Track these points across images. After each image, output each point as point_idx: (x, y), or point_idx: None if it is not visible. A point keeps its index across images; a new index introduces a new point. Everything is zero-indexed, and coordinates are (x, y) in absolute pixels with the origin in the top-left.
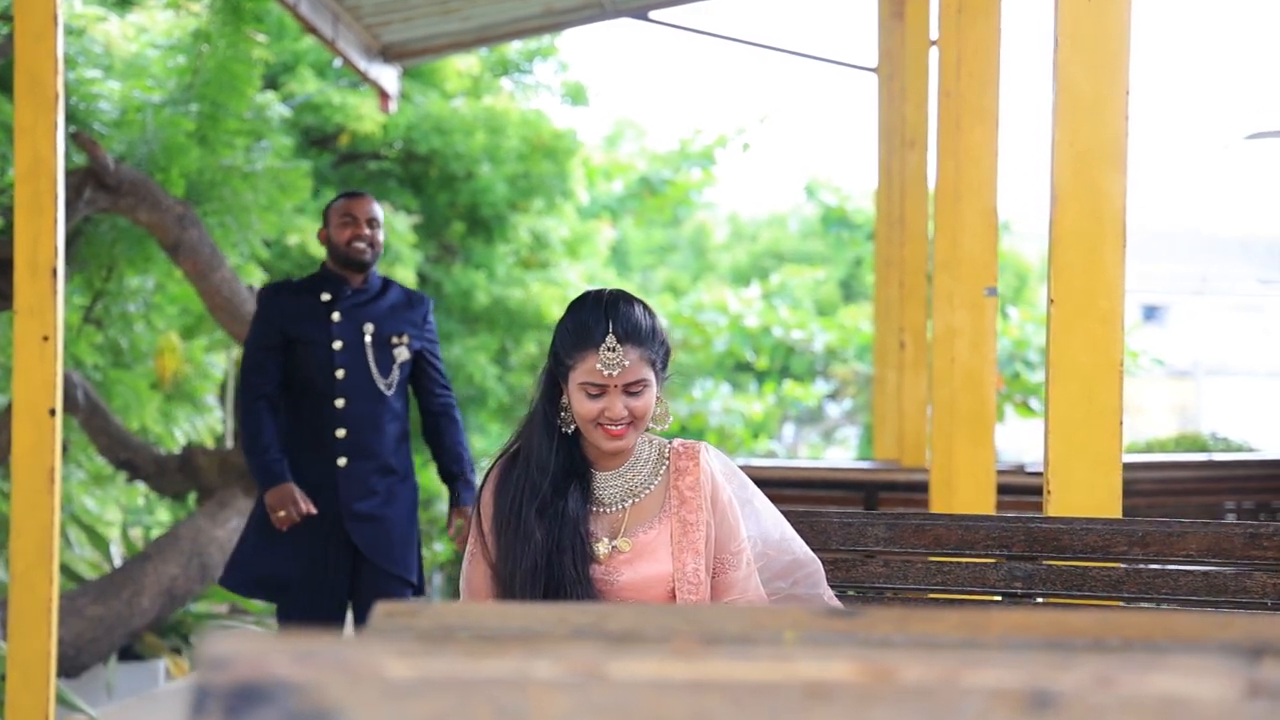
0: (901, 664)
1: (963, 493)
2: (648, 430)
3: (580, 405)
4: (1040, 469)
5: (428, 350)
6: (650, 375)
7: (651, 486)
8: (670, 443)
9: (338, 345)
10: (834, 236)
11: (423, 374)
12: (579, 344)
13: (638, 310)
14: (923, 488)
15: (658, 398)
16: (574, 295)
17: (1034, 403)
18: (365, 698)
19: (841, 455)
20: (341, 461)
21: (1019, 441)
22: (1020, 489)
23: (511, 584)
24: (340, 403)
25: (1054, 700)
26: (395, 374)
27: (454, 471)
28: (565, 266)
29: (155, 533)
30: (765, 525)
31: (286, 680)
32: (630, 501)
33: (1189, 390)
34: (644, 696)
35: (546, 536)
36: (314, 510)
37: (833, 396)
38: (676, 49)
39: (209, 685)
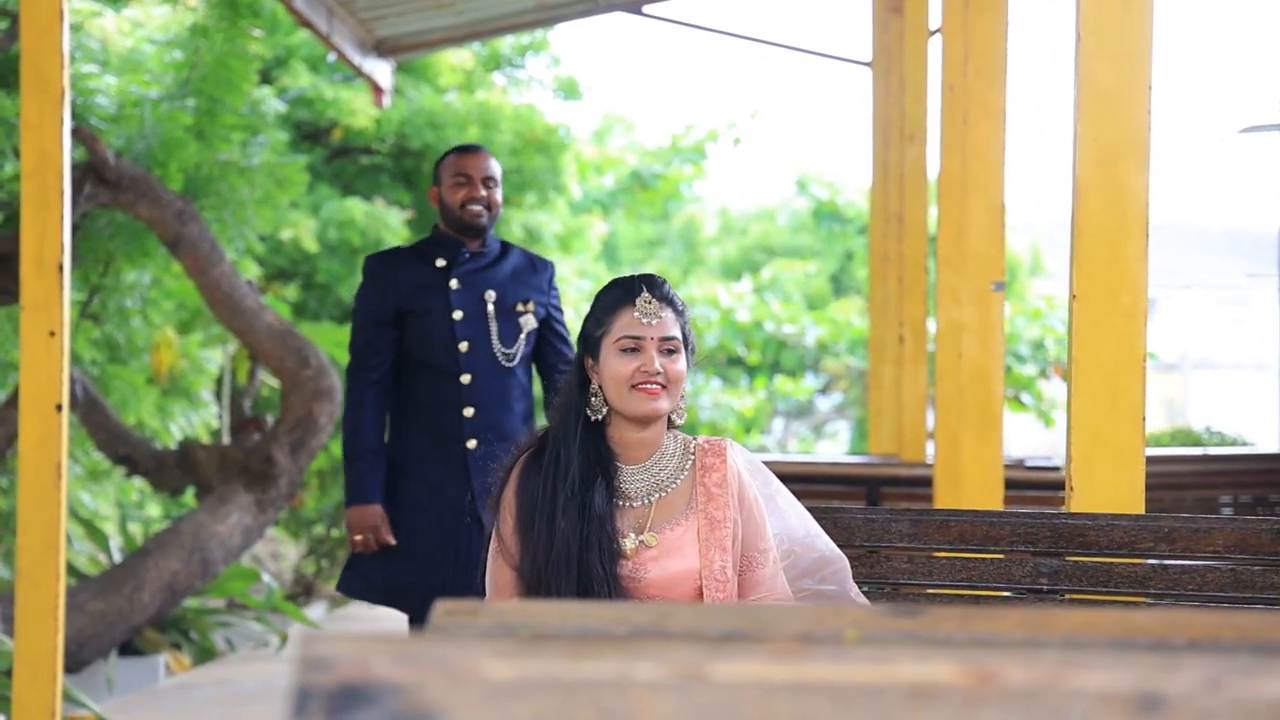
0: (1006, 666)
1: (970, 488)
2: (670, 426)
3: (615, 368)
4: (1041, 464)
5: (553, 319)
6: (681, 341)
7: (678, 481)
8: (695, 438)
9: (458, 315)
10: (825, 230)
11: (547, 344)
12: (613, 306)
13: (668, 285)
14: (926, 483)
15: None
16: (566, 290)
17: (1025, 397)
18: (466, 699)
19: (832, 450)
20: (471, 444)
21: (1008, 436)
22: (1023, 484)
23: (538, 582)
24: (466, 379)
25: (1163, 703)
26: (521, 345)
27: None
28: (557, 261)
29: (153, 528)
30: (790, 522)
31: (388, 681)
32: (656, 496)
33: (1176, 384)
34: (747, 698)
35: (573, 531)
36: (392, 541)
37: (823, 391)
38: (668, 43)
39: (310, 686)
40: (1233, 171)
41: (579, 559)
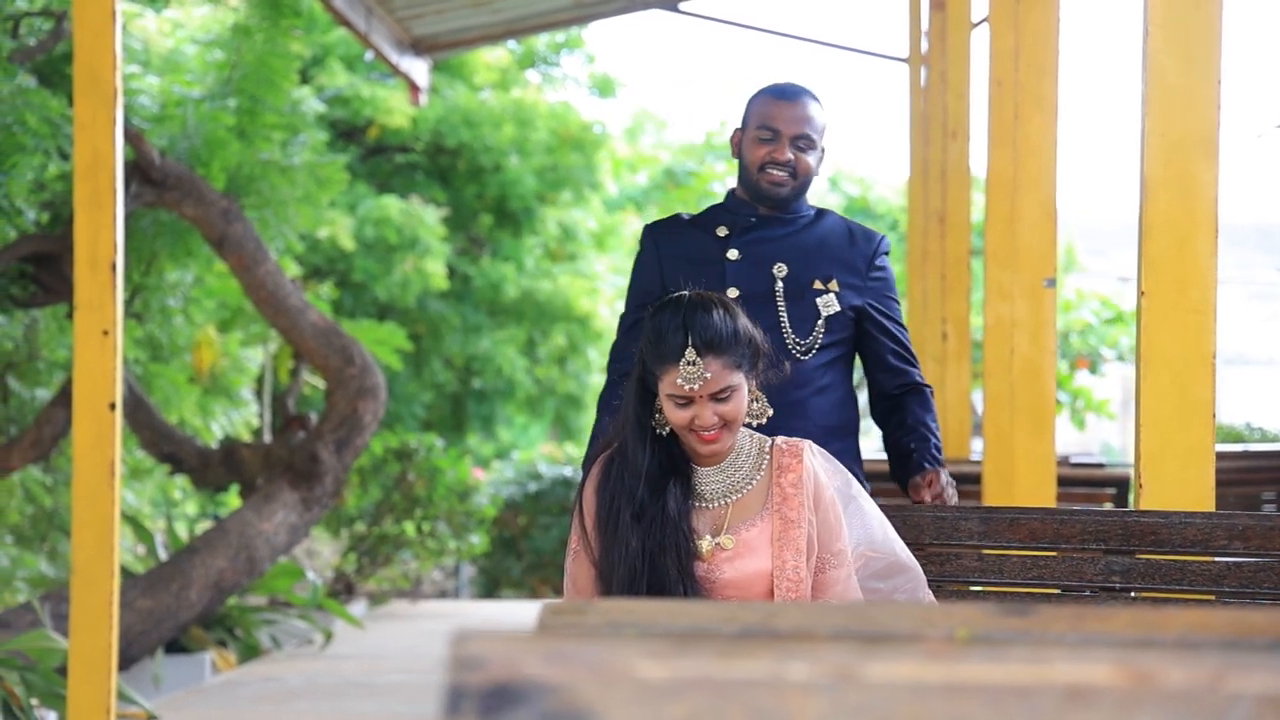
0: (1163, 667)
1: (1022, 486)
2: (745, 426)
3: (670, 413)
4: (1085, 460)
5: (877, 307)
6: (737, 379)
7: (753, 482)
8: (773, 439)
9: (733, 294)
10: None
11: (873, 341)
12: (660, 357)
13: (717, 316)
14: (974, 480)
15: (754, 395)
16: (602, 287)
17: (1061, 395)
18: (618, 698)
19: (863, 446)
20: None
21: None
22: (1068, 480)
23: (613, 583)
24: None
25: None
26: (819, 333)
27: (908, 446)
28: (593, 258)
29: (194, 526)
30: (870, 525)
31: (540, 681)
32: (733, 497)
33: None
34: (900, 699)
35: (646, 538)
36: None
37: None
38: (703, 39)
39: (463, 685)
40: (1264, 167)
41: (655, 564)
